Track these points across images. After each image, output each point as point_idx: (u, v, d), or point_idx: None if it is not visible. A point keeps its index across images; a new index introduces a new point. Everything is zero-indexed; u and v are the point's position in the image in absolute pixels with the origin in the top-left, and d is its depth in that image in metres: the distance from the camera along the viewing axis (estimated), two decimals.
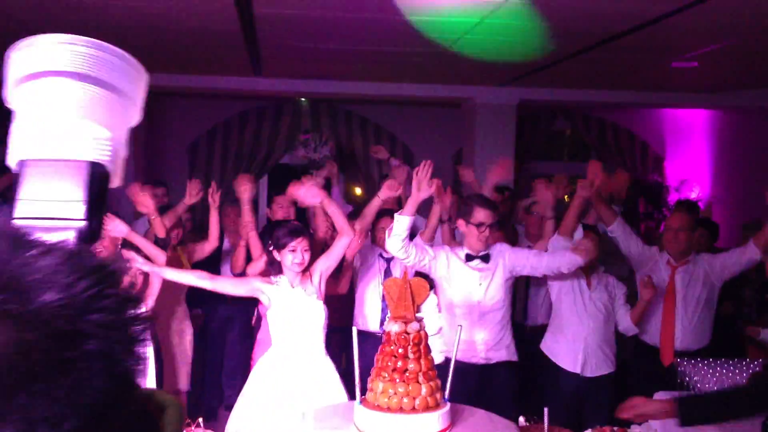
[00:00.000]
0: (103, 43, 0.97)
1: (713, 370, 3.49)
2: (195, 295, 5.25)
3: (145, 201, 4.36)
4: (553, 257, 4.04)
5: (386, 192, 4.62)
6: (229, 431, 3.51)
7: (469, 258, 4.10)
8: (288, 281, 3.78)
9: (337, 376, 3.74)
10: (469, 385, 3.91)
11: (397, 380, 2.67)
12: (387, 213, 5.19)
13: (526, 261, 4.09)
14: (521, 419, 3.14)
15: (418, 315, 2.79)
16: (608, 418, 3.22)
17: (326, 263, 3.88)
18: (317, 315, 3.73)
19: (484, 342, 4.05)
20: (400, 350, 2.70)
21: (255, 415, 3.58)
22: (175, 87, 7.48)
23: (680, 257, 4.45)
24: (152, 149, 8.18)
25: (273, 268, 3.84)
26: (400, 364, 2.69)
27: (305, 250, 3.73)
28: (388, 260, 5.00)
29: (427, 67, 6.30)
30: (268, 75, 7.00)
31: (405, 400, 2.65)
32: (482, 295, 4.07)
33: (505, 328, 4.14)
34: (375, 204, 4.65)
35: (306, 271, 3.80)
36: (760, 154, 7.82)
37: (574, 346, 4.29)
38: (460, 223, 4.14)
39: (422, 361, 2.70)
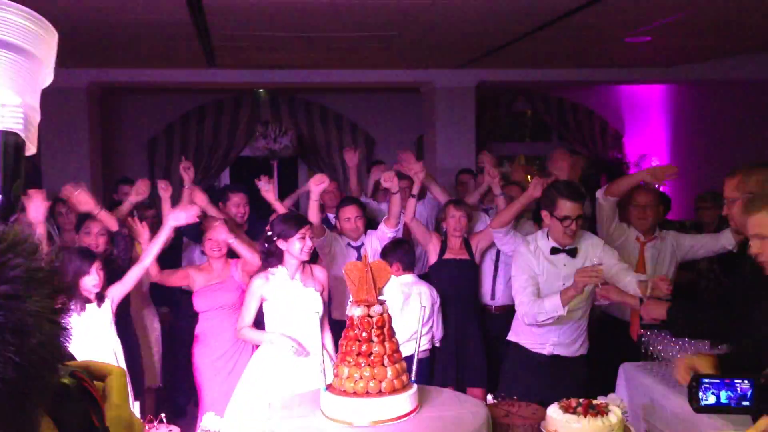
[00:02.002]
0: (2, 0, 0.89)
1: (675, 340, 3.54)
2: (161, 293, 5.18)
3: (83, 198, 4.32)
4: (626, 274, 3.67)
5: (315, 189, 4.48)
6: (221, 426, 3.46)
7: (554, 251, 3.82)
8: (287, 273, 3.82)
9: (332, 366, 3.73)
10: (533, 372, 3.83)
11: (363, 364, 2.65)
12: (351, 201, 5.18)
13: (614, 266, 3.74)
14: (489, 397, 3.14)
15: (380, 298, 2.77)
16: (576, 391, 3.24)
17: None
18: (315, 306, 3.76)
19: (556, 338, 3.85)
20: (364, 334, 2.67)
21: (251, 408, 3.55)
22: (129, 82, 7.36)
23: (648, 233, 4.47)
24: (110, 147, 8.03)
25: (272, 260, 3.85)
26: (364, 347, 2.67)
27: (311, 237, 3.86)
28: (357, 248, 4.97)
29: (385, 51, 6.26)
30: (223, 66, 6.90)
31: (371, 383, 2.62)
32: None
33: (579, 329, 3.88)
34: (313, 206, 4.51)
35: (308, 263, 3.88)
36: (716, 125, 7.96)
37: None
38: (544, 215, 3.83)
39: (386, 344, 2.68)
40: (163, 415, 2.86)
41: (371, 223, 5.35)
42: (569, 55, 6.72)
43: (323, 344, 2.86)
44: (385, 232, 4.88)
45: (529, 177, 5.44)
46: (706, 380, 1.52)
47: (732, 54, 6.83)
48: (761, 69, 7.14)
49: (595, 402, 2.83)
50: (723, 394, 1.50)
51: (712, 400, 1.51)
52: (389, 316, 2.77)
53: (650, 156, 8.88)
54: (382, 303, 2.75)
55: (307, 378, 3.54)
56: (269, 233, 3.87)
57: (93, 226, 4.37)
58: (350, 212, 4.97)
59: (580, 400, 2.82)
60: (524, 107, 9.36)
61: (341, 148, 8.80)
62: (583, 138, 9.14)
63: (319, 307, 3.77)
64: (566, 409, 2.76)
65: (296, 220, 3.90)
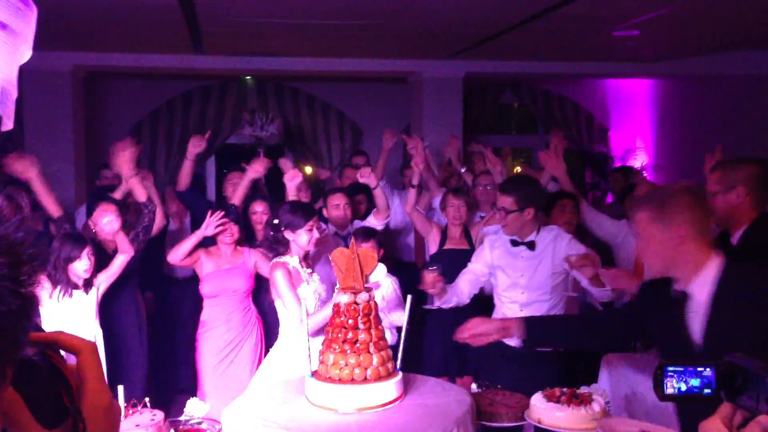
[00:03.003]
0: None
1: None
2: (145, 278, 5.15)
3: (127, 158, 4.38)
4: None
5: (290, 184, 4.57)
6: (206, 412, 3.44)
7: (514, 243, 3.89)
8: (298, 261, 3.77)
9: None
10: (506, 363, 3.85)
11: (348, 351, 2.64)
12: (339, 190, 5.18)
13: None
14: (473, 386, 3.16)
15: (366, 285, 2.77)
16: (548, 385, 3.24)
17: None
18: (319, 291, 3.75)
19: None
20: (350, 321, 2.67)
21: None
22: (115, 66, 7.28)
23: None
24: (94, 132, 7.94)
25: (281, 248, 3.79)
26: (350, 335, 2.67)
27: (318, 228, 3.79)
28: (344, 237, 4.96)
29: (373, 40, 6.24)
30: (210, 52, 6.85)
31: (356, 370, 2.62)
32: (525, 285, 3.84)
33: None
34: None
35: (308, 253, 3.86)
36: (701, 121, 8.01)
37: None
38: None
39: (373, 332, 2.68)
40: (147, 399, 2.85)
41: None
42: (557, 47, 6.73)
43: (309, 331, 2.84)
44: (374, 225, 4.91)
45: (518, 169, 5.48)
46: (671, 368, 1.53)
47: (718, 50, 6.88)
48: (746, 64, 7.20)
49: (578, 392, 2.85)
50: (691, 382, 1.51)
51: (682, 387, 1.53)
52: (376, 304, 2.77)
53: (635, 150, 8.93)
54: (368, 290, 2.75)
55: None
56: (276, 222, 3.79)
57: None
58: (339, 199, 4.97)
59: (564, 389, 2.84)
60: (511, 99, 9.38)
61: (328, 137, 8.79)
62: (570, 131, 9.17)
63: (323, 292, 3.77)
64: (550, 398, 2.78)
65: (305, 211, 3.79)
